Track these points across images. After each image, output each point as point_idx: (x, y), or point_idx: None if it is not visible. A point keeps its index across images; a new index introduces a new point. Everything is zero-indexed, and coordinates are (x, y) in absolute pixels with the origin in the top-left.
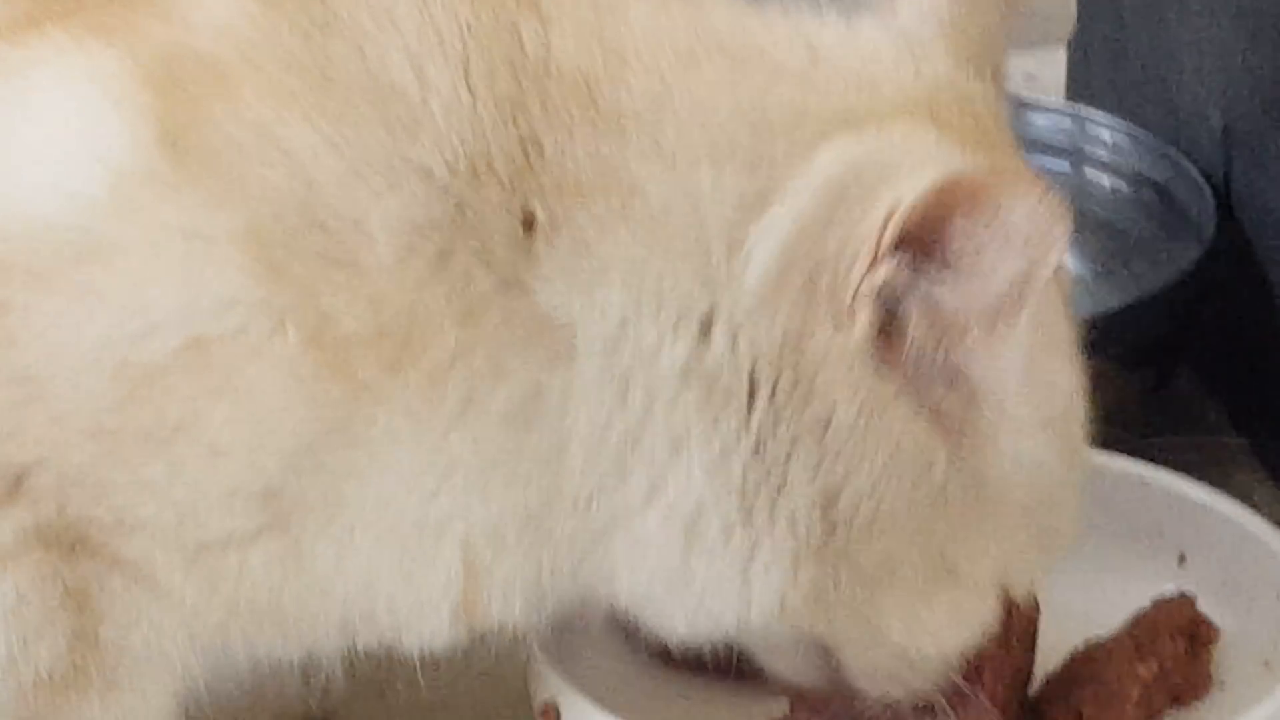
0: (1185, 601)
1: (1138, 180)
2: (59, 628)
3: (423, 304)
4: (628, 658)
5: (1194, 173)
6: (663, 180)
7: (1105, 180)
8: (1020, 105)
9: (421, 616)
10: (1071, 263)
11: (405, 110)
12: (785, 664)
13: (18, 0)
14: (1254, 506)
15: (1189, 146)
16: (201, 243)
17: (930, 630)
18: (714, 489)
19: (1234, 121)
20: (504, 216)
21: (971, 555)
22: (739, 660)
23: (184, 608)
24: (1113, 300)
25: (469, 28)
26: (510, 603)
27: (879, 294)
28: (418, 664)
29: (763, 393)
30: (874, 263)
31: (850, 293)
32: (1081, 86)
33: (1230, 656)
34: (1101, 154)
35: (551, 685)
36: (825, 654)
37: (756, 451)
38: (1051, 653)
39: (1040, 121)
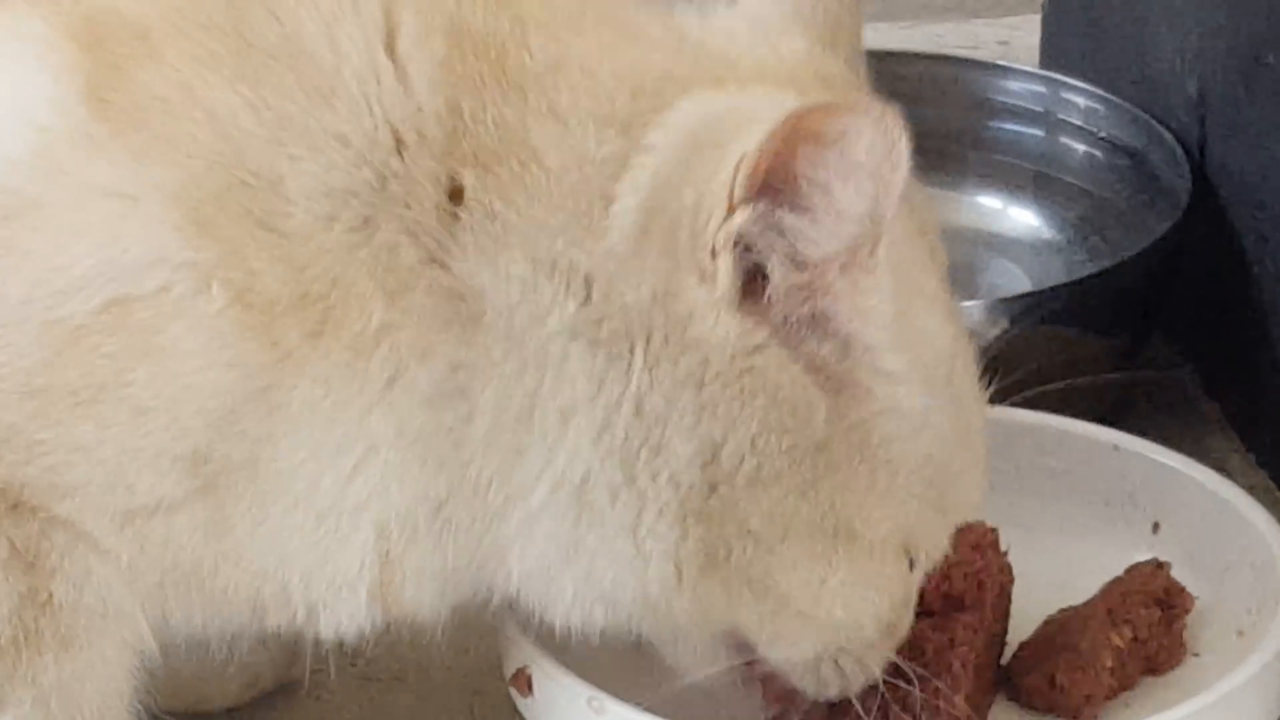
0: (1159, 570)
1: (1112, 147)
2: (8, 588)
3: (345, 273)
4: None
5: (1169, 139)
6: (557, 142)
7: (1080, 147)
8: (995, 72)
9: (338, 597)
10: (1046, 229)
11: (321, 77)
12: (692, 653)
13: None
14: (1228, 474)
15: (1164, 113)
16: (126, 201)
17: (833, 594)
18: (599, 455)
19: (1209, 88)
20: (432, 187)
21: (866, 517)
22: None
23: (123, 567)
24: (1087, 267)
25: None
26: (422, 591)
27: (738, 243)
28: (328, 653)
29: (639, 351)
30: (730, 212)
31: (709, 244)
32: (1056, 53)
33: (1204, 625)
34: (1076, 120)
35: (524, 652)
36: (742, 646)
37: (637, 413)
38: (1025, 620)
39: (1015, 88)
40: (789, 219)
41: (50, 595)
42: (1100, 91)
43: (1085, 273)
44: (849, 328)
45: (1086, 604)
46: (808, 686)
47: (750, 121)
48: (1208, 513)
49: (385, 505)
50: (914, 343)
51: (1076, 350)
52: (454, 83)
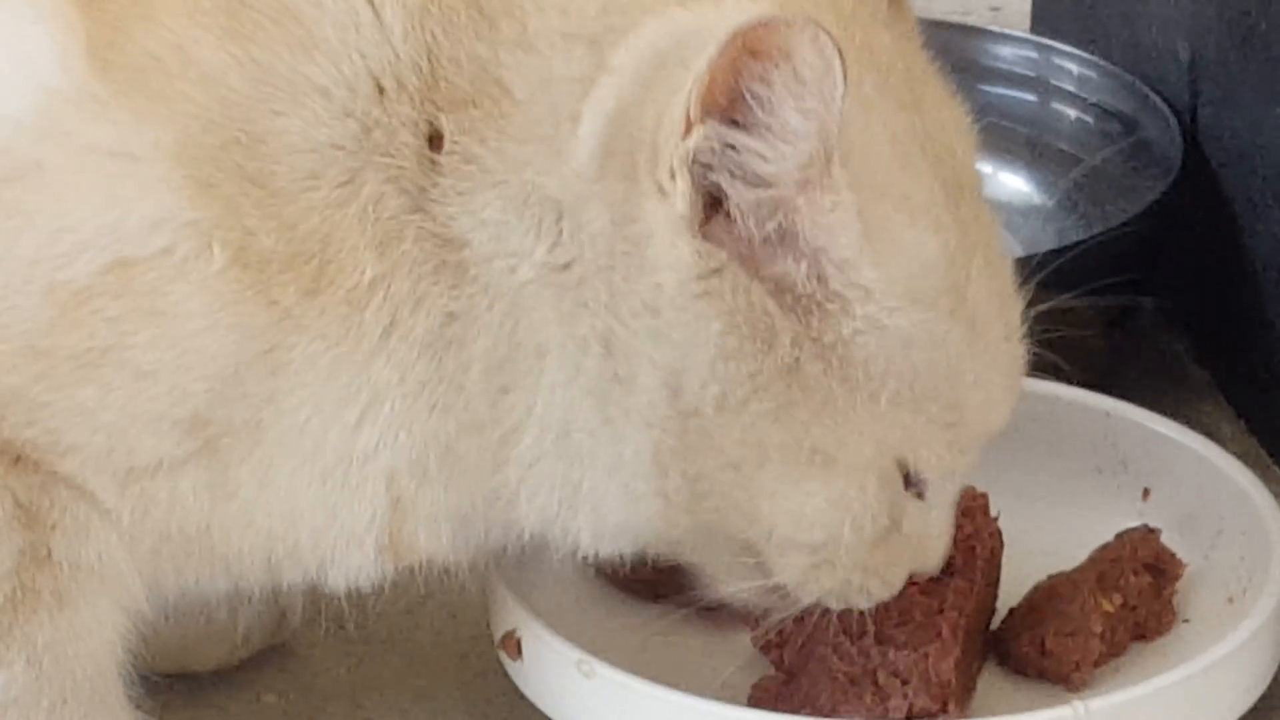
0: (1149, 535)
1: (1103, 112)
2: (9, 544)
3: (336, 228)
4: (588, 588)
5: (1160, 105)
6: (526, 69)
7: (1071, 112)
8: (986, 37)
9: (347, 551)
10: (1037, 195)
11: (303, 30)
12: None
13: None
14: (1219, 440)
15: (1155, 78)
16: (129, 161)
17: (811, 520)
18: (575, 396)
19: (1201, 53)
20: (412, 135)
21: (844, 438)
22: (695, 587)
23: (123, 528)
24: (1078, 232)
25: None
26: (437, 534)
27: (695, 163)
28: (344, 601)
29: (603, 289)
30: (686, 131)
31: (667, 163)
32: (1047, 18)
33: (1194, 591)
34: (1067, 86)
35: (513, 616)
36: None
37: (607, 352)
38: (1014, 586)
39: (1005, 53)
40: (740, 137)
41: (49, 551)
42: (1091, 57)
43: (1076, 238)
44: (816, 244)
45: (1077, 570)
46: (832, 604)
47: (711, 39)
48: (1198, 479)
49: (395, 452)
50: (893, 255)
51: (1067, 317)
52: (430, 25)
